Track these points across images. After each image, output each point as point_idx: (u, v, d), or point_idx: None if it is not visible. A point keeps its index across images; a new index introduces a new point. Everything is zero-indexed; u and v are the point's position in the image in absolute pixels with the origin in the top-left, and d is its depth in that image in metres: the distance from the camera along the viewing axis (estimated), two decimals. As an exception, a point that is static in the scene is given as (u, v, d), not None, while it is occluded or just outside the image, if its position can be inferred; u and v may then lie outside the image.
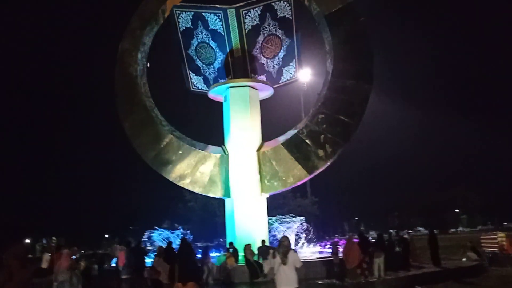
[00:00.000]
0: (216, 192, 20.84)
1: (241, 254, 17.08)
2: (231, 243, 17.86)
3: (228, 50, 21.56)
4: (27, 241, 62.81)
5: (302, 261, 8.54)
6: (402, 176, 76.18)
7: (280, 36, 21.14)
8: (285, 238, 8.49)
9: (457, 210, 74.25)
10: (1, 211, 56.78)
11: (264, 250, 16.39)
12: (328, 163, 20.27)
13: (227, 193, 20.71)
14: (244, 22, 20.44)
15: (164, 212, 45.42)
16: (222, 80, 21.91)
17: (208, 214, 38.51)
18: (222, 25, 20.77)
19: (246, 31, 20.62)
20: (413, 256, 19.02)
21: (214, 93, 22.33)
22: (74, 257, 15.81)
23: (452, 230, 66.82)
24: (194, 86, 23.63)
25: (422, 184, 74.53)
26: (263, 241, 17.56)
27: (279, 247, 8.43)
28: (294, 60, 21.75)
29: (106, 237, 61.67)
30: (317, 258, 18.33)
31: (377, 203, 73.69)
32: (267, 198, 21.53)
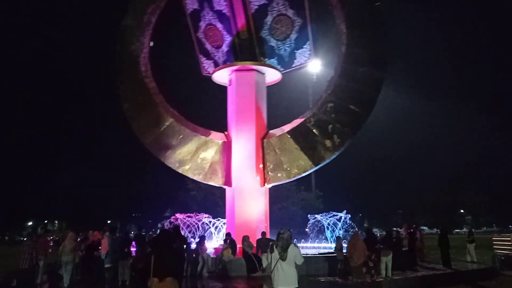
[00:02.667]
0: (216, 180, 19.64)
1: (239, 246, 15.92)
2: (228, 234, 16.65)
3: (234, 32, 20.28)
4: (30, 223, 62.47)
5: (304, 257, 7.32)
6: (407, 174, 74.71)
7: (291, 16, 19.69)
8: (285, 230, 7.26)
9: (462, 211, 72.67)
10: (5, 194, 56.18)
11: (264, 242, 15.20)
12: (336, 155, 19.00)
13: (228, 182, 19.53)
14: (250, 2, 19.11)
15: (166, 200, 44.60)
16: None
17: (210, 204, 37.43)
18: (226, 5, 19.48)
19: (253, 11, 19.30)
20: (421, 255, 17.78)
21: (219, 77, 21.07)
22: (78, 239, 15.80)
23: (456, 230, 65.35)
24: (205, 70, 22.34)
25: (427, 182, 72.97)
26: (263, 233, 16.36)
27: (278, 240, 7.21)
28: (308, 42, 20.17)
29: (108, 223, 60.90)
30: (320, 253, 17.10)
31: (381, 200, 72.30)
32: (270, 189, 20.34)
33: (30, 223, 62.58)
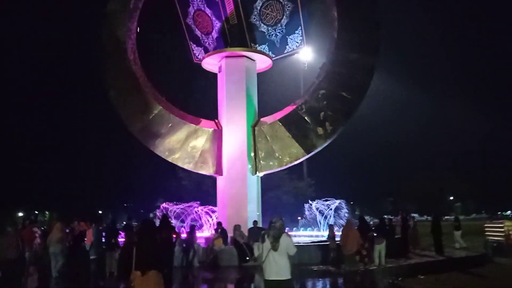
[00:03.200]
0: (207, 169, 19.23)
1: (230, 235, 15.57)
2: (219, 223, 16.28)
3: (223, 18, 19.74)
4: (20, 214, 61.59)
5: (296, 245, 6.97)
6: (397, 162, 74.71)
7: (281, 0, 19.19)
8: (278, 218, 6.88)
9: (451, 198, 72.98)
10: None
11: (255, 231, 14.84)
12: (328, 142, 18.69)
13: (219, 170, 19.14)
14: (238, -14, 18.59)
15: (158, 190, 44.02)
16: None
17: (202, 193, 36.92)
18: (214, -10, 18.93)
19: (241, -5, 18.75)
20: (414, 243, 17.60)
21: (209, 64, 20.55)
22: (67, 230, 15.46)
23: (446, 217, 65.53)
24: (197, 57, 21.76)
25: (417, 170, 73.07)
26: (254, 222, 16.01)
27: (270, 229, 6.83)
28: (300, 28, 19.66)
29: (99, 213, 60.29)
30: (312, 242, 16.81)
31: (372, 188, 72.33)
32: (261, 178, 19.99)
33: (20, 214, 61.65)
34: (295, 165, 20.23)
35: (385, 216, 18.66)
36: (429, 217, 68.06)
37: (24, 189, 61.94)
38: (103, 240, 12.82)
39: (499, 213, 65.47)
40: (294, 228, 25.06)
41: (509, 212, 71.15)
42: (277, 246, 6.67)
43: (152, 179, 48.58)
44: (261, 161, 19.05)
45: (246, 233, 15.30)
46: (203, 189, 37.08)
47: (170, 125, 19.15)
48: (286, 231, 7.04)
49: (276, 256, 6.66)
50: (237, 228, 14.23)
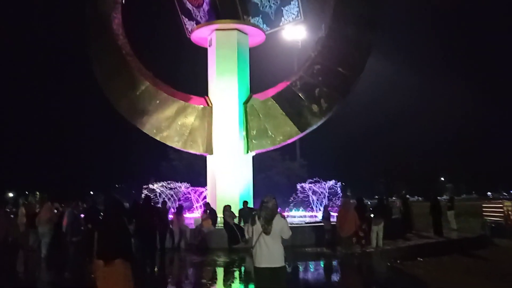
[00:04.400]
0: (197, 148, 18.22)
1: (220, 216, 14.65)
2: (207, 204, 15.33)
3: (215, -12, 18.48)
4: (11, 195, 60.41)
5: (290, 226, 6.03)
6: (389, 142, 74.19)
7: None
8: (270, 197, 5.92)
9: (442, 179, 72.76)
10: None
11: (246, 212, 13.96)
12: (323, 120, 17.77)
13: (209, 149, 18.13)
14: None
15: (149, 171, 42.93)
16: (208, 22, 18.88)
17: (193, 174, 35.95)
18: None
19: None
20: (411, 224, 16.83)
21: (199, 38, 19.33)
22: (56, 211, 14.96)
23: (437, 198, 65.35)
24: (189, 32, 20.45)
25: (409, 151, 72.69)
26: (245, 202, 15.05)
27: (261, 210, 5.87)
28: (296, -3, 18.44)
29: (91, 194, 59.27)
30: (306, 223, 15.96)
31: (364, 169, 71.93)
32: (253, 157, 19.03)
33: (11, 195, 60.48)
34: (287, 145, 19.30)
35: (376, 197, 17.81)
36: (420, 198, 68.01)
37: (14, 169, 60.80)
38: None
39: (489, 193, 65.48)
40: (286, 209, 24.16)
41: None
42: (270, 229, 5.72)
43: (143, 159, 47.46)
44: (253, 140, 18.10)
45: (236, 214, 14.38)
46: (194, 170, 36.12)
47: (158, 102, 18.04)
48: (279, 211, 6.10)
49: (268, 240, 5.71)
50: (227, 208, 13.26)
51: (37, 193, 64.33)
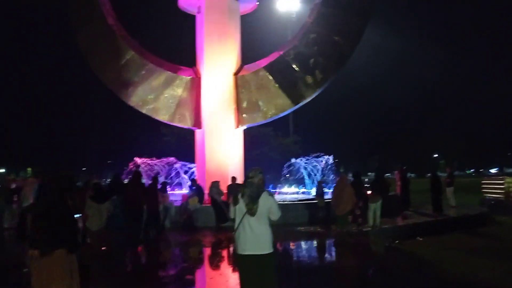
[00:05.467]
0: (185, 122, 17.12)
1: (207, 193, 13.67)
2: (193, 180, 14.33)
3: (203, -50, 17.02)
4: (1, 170, 59.22)
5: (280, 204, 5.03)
6: (383, 118, 73.23)
7: None
8: (256, 171, 4.91)
9: (436, 155, 72.14)
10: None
11: (234, 188, 12.97)
12: (317, 92, 16.72)
13: (197, 123, 17.05)
14: None
15: (141, 146, 41.75)
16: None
17: (185, 150, 34.86)
18: None
19: None
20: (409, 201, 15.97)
21: (187, 4, 17.96)
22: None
23: (429, 174, 64.96)
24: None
25: (403, 127, 71.83)
26: (233, 178, 13.99)
27: (245, 187, 4.88)
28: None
29: (83, 170, 58.16)
30: (299, 200, 15.04)
31: (356, 145, 71.10)
32: (245, 134, 17.99)
33: (2, 170, 59.26)
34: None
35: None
36: (412, 175, 67.59)
37: (5, 145, 59.51)
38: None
39: (481, 170, 65.08)
40: (279, 185, 23.29)
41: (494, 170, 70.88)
42: (255, 209, 4.73)
43: (135, 134, 46.17)
44: (243, 113, 17.01)
45: (225, 191, 13.41)
46: (186, 145, 35.04)
47: (143, 72, 16.82)
48: (268, 188, 5.09)
49: (254, 222, 4.73)
50: (214, 185, 12.24)
51: (28, 169, 63.46)
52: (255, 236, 4.71)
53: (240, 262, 4.81)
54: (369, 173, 65.59)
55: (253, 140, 31.69)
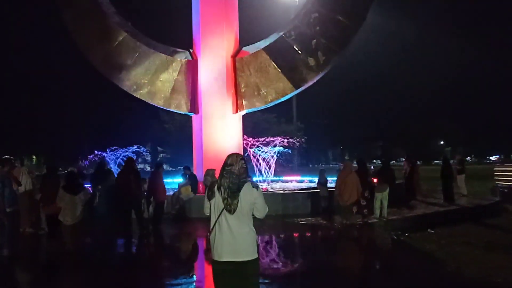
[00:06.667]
0: (180, 106, 16.09)
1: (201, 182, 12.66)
2: (186, 167, 13.28)
3: None
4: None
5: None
6: (388, 105, 71.56)
7: None
8: (236, 157, 3.89)
9: (442, 142, 70.71)
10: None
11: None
12: (320, 75, 15.60)
13: (193, 108, 16.02)
14: None
15: (142, 134, 40.88)
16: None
17: (186, 137, 33.98)
18: None
19: None
20: (418, 189, 14.91)
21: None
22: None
23: (436, 161, 63.67)
24: None
25: (404, 113, 70.22)
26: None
27: (222, 177, 3.86)
28: None
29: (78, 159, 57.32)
30: (300, 189, 14.01)
31: (361, 132, 69.75)
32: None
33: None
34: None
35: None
36: (418, 162, 66.36)
37: (12, 132, 58.95)
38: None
39: (487, 157, 63.70)
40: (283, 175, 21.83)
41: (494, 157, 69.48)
42: (235, 204, 3.72)
43: (137, 121, 45.14)
44: (242, 98, 15.95)
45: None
46: (187, 133, 34.11)
47: (137, 54, 15.77)
48: (253, 179, 4.07)
49: (233, 221, 3.72)
50: (208, 173, 11.19)
51: (34, 157, 62.92)
52: (234, 239, 3.70)
53: (215, 271, 3.81)
54: (374, 161, 64.60)
55: (254, 128, 30.72)
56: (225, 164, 3.88)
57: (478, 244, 8.83)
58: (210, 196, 3.83)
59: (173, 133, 35.65)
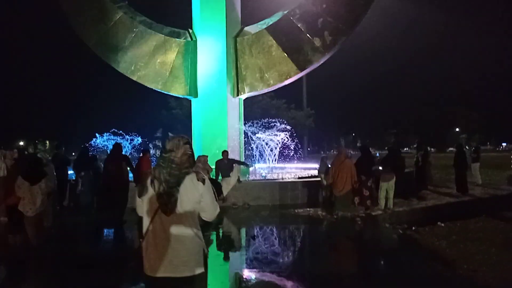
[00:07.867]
0: (179, 90, 15.23)
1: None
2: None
3: None
4: (21, 143, 59.01)
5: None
6: (402, 91, 69.67)
7: None
8: (178, 141, 2.94)
9: (457, 129, 68.55)
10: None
11: (225, 164, 11.11)
12: (326, 57, 14.54)
13: (193, 91, 15.12)
14: None
15: (150, 120, 40.26)
16: None
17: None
18: None
19: None
20: (428, 178, 13.79)
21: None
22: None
23: (450, 149, 61.78)
24: None
25: (422, 100, 68.28)
26: (224, 152, 11.62)
27: (158, 167, 2.92)
28: None
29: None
30: (299, 178, 13.02)
31: (375, 119, 68.21)
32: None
33: (21, 143, 59.05)
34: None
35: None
36: (432, 149, 64.58)
37: (25, 118, 59.22)
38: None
39: (504, 144, 61.54)
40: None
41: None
42: (173, 202, 2.76)
43: (145, 108, 44.61)
44: (243, 80, 14.99)
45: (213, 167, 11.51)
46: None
47: (133, 35, 14.91)
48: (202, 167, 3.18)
49: (171, 225, 2.77)
50: (200, 159, 10.23)
51: (47, 141, 63.11)
52: (172, 248, 2.77)
53: (149, 289, 2.89)
54: (386, 148, 62.71)
55: (264, 113, 29.70)
56: (164, 150, 2.94)
57: (494, 240, 7.76)
58: (141, 192, 2.90)
59: (181, 119, 34.81)
